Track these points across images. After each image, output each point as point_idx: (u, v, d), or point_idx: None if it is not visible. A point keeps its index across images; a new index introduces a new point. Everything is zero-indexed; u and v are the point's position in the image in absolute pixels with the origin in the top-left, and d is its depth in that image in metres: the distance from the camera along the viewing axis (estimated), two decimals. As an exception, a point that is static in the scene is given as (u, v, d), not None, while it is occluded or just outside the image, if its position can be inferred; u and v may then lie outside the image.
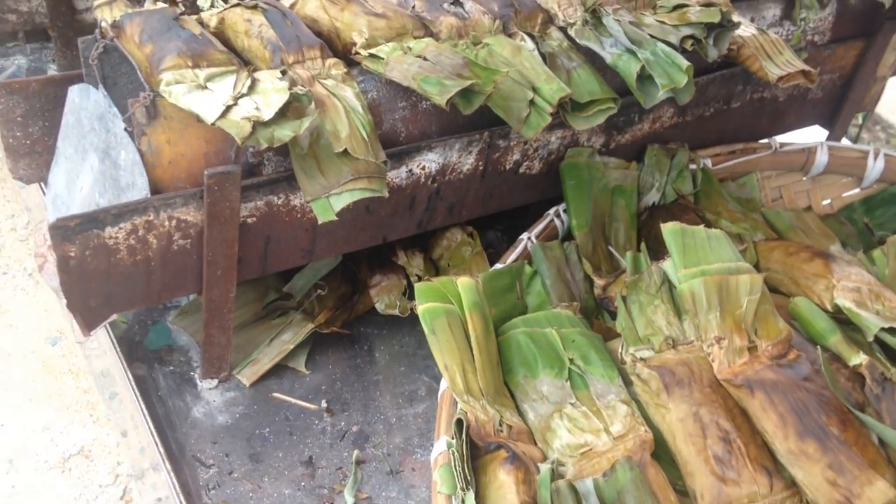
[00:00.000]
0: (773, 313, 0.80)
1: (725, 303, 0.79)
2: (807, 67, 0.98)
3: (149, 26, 0.80)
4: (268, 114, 0.72)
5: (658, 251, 1.05)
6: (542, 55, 0.92)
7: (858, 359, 0.78)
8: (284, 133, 0.72)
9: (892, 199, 1.26)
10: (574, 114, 0.90)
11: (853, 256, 1.06)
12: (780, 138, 1.33)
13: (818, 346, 0.80)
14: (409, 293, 1.08)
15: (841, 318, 0.86)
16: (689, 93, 0.89)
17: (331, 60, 0.83)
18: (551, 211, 1.05)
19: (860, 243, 1.21)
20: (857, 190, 1.29)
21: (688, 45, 0.93)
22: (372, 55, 0.84)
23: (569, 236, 1.06)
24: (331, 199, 0.78)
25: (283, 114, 0.73)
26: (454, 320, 0.80)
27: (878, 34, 1.25)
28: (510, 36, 0.93)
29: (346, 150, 0.77)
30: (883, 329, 0.81)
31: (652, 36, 0.95)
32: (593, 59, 0.95)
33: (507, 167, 1.01)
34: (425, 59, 0.82)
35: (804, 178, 1.27)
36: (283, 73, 0.77)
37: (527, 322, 0.86)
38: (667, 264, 0.83)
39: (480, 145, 0.95)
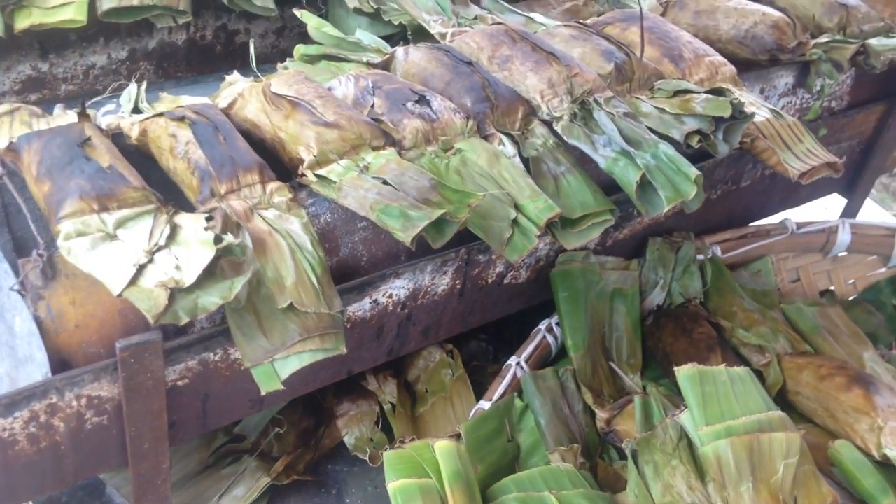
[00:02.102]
0: (814, 476, 0.69)
1: (758, 469, 0.68)
2: (832, 158, 0.87)
3: (48, 155, 0.68)
4: (190, 276, 0.60)
5: (665, 364, 0.93)
6: (525, 160, 0.81)
7: (919, 533, 0.67)
8: (211, 301, 0.60)
9: (924, 279, 1.15)
10: (565, 231, 0.78)
11: (890, 366, 0.95)
12: (795, 211, 1.23)
13: (869, 517, 0.68)
14: (381, 422, 0.96)
15: (889, 465, 0.75)
16: (698, 201, 0.78)
17: (272, 185, 0.72)
18: (542, 326, 0.93)
19: (891, 334, 1.10)
20: (883, 269, 1.19)
21: (693, 141, 0.82)
22: (321, 177, 0.72)
23: (563, 350, 0.94)
24: (276, 365, 0.66)
25: (211, 272, 0.61)
26: (432, 499, 0.68)
27: (901, 96, 1.15)
28: (486, 138, 0.82)
29: (292, 304, 0.65)
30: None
31: (651, 129, 0.84)
32: (584, 159, 0.84)
33: (490, 280, 0.89)
34: (385, 182, 0.71)
35: (825, 259, 1.16)
36: (210, 217, 0.64)
37: (520, 485, 0.74)
38: (684, 417, 0.71)
39: (457, 264, 0.84)
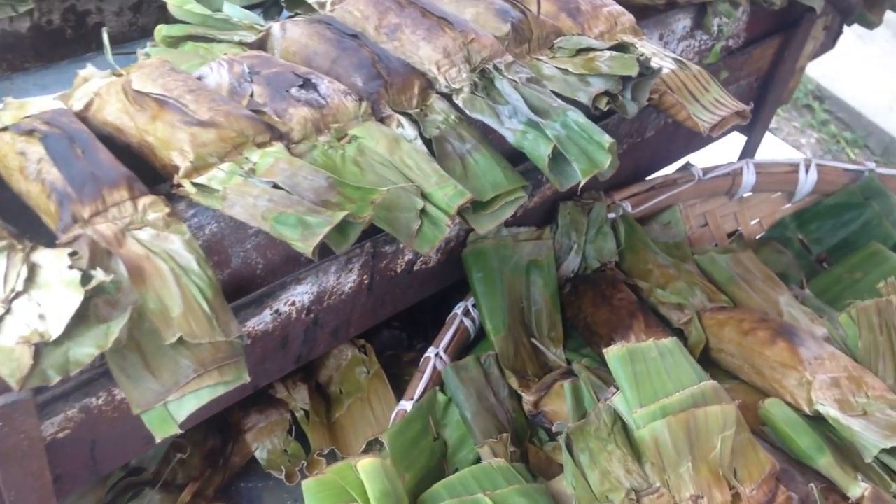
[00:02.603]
0: (751, 445, 0.68)
1: (696, 447, 0.66)
2: (740, 106, 0.85)
3: None
4: (56, 327, 0.52)
5: (587, 334, 0.91)
6: (427, 141, 0.75)
7: (858, 488, 0.67)
8: (85, 352, 0.53)
9: (827, 213, 1.17)
10: (477, 214, 0.73)
11: (807, 308, 0.95)
12: (698, 155, 1.22)
13: (808, 481, 0.68)
14: (295, 430, 0.90)
15: (822, 420, 0.75)
16: (613, 169, 0.74)
17: (145, 201, 0.63)
18: (458, 310, 0.89)
19: (801, 271, 1.11)
20: (787, 205, 1.19)
21: (602, 103, 0.78)
22: (201, 186, 0.64)
23: (482, 332, 0.91)
24: (170, 407, 0.59)
25: (81, 318, 0.53)
26: (361, 526, 0.63)
27: (797, 28, 1.14)
28: (383, 120, 0.75)
29: (181, 338, 0.58)
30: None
31: (556, 94, 0.79)
32: (489, 130, 0.78)
33: (399, 270, 0.84)
34: (276, 185, 0.63)
35: (731, 201, 1.16)
36: (74, 253, 0.56)
37: (451, 489, 0.71)
38: (617, 400, 0.69)
39: (363, 259, 0.78)
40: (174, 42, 0.90)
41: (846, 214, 1.16)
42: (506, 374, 0.84)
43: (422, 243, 0.70)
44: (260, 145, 0.69)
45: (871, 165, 1.16)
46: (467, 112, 0.78)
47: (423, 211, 0.70)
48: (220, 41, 0.87)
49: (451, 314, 0.89)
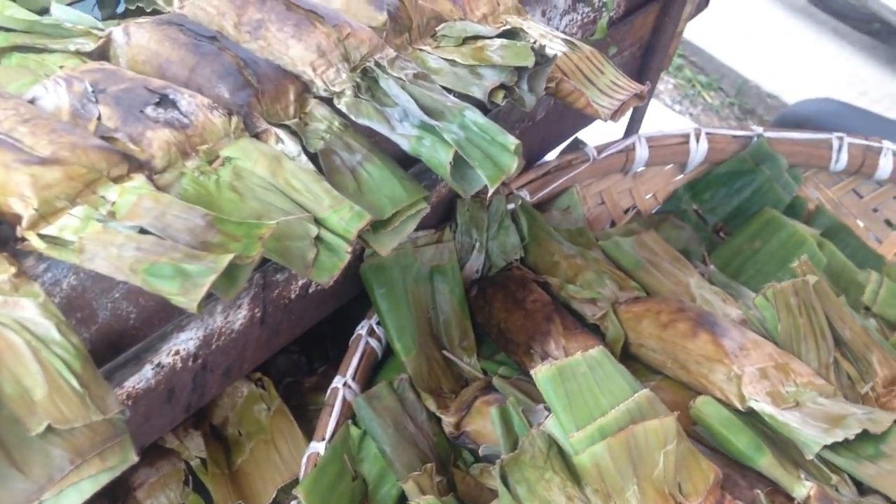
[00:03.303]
0: (692, 455, 0.66)
1: (639, 467, 0.63)
2: (637, 87, 0.83)
3: None
4: None
5: (502, 342, 0.87)
6: (312, 155, 0.68)
7: (804, 488, 0.67)
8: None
9: (718, 181, 1.18)
10: (377, 233, 0.68)
11: (716, 288, 0.95)
12: (587, 131, 1.20)
13: (751, 484, 0.66)
14: (192, 482, 0.82)
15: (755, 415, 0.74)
16: (519, 170, 0.70)
17: (-17, 263, 0.54)
18: (362, 330, 0.83)
19: (701, 246, 1.11)
20: (680, 177, 1.20)
21: (499, 98, 0.73)
22: (51, 238, 0.55)
23: (389, 349, 0.85)
24: (46, 509, 0.51)
25: (-83, 429, 0.44)
26: None
27: (674, -4, 1.13)
28: (259, 136, 0.68)
29: (50, 425, 0.50)
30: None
31: (446, 89, 0.74)
32: (376, 133, 0.72)
33: (294, 296, 0.77)
34: (143, 230, 0.55)
35: (625, 177, 1.15)
36: None
37: (380, 539, 0.65)
38: (551, 424, 0.65)
39: (252, 292, 0.71)
40: (-4, 54, 0.79)
41: (738, 181, 1.17)
42: (422, 396, 0.79)
43: (319, 273, 0.64)
44: (117, 180, 0.60)
45: (759, 130, 1.17)
46: (353, 118, 0.71)
47: (317, 238, 0.63)
48: (52, 51, 0.76)
49: (355, 335, 0.83)
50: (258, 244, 0.57)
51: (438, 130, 0.69)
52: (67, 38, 0.77)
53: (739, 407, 0.74)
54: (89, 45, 0.74)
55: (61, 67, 0.73)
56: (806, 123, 1.60)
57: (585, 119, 1.19)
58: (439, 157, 0.68)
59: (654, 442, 0.64)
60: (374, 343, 0.83)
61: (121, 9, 1.10)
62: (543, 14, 0.98)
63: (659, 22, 1.17)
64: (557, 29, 1.01)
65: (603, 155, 1.09)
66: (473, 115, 0.70)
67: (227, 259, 0.54)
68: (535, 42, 0.76)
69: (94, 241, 0.55)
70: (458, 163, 0.70)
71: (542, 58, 0.74)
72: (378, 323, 0.84)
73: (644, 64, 1.22)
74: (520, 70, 0.75)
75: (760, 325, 0.85)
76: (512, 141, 0.68)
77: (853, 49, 3.32)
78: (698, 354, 0.79)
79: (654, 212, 1.20)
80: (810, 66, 3.18)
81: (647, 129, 1.19)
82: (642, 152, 1.11)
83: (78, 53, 0.75)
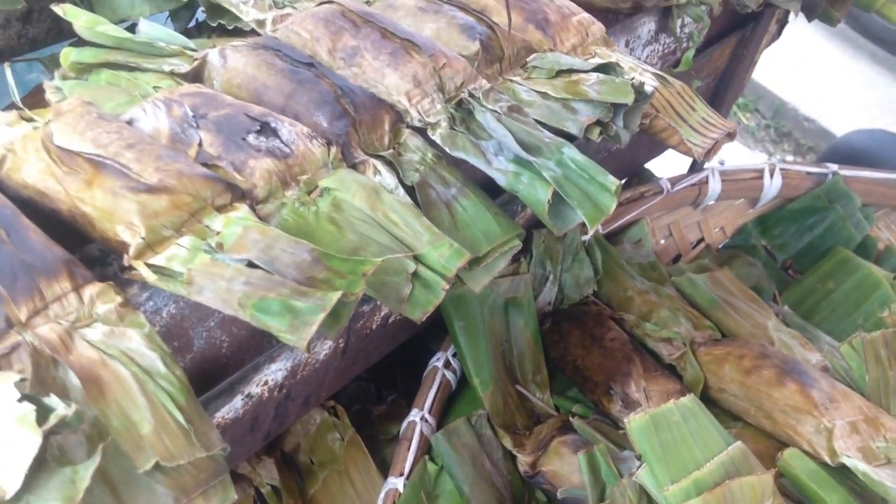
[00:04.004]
0: (787, 512, 0.65)
1: (735, 524, 0.62)
2: (728, 125, 0.82)
3: None
4: (13, 481, 0.43)
5: (579, 380, 0.87)
6: (409, 188, 0.68)
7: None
8: (50, 511, 0.44)
9: (790, 217, 1.16)
10: (470, 269, 0.67)
11: (794, 331, 0.94)
12: (658, 161, 1.20)
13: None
14: (261, 506, 0.82)
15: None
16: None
17: (92, 290, 0.55)
18: (438, 363, 0.83)
19: (772, 284, 1.10)
20: (750, 211, 1.18)
21: (594, 134, 0.73)
22: (160, 269, 0.55)
23: (463, 379, 0.85)
24: (149, 547, 0.51)
25: (41, 465, 0.44)
26: None
27: (756, 25, 1.12)
28: (356, 167, 0.68)
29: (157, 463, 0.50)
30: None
31: (540, 122, 0.74)
32: (469, 165, 0.72)
33: (375, 326, 0.77)
34: (251, 263, 0.55)
35: (695, 210, 1.14)
36: (24, 379, 0.47)
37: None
38: (644, 475, 0.64)
39: (339, 323, 0.70)
40: (86, 69, 0.80)
41: (810, 219, 1.16)
42: (498, 433, 0.79)
43: (413, 309, 0.63)
44: (220, 209, 0.60)
45: (834, 168, 1.16)
46: (448, 150, 0.71)
47: (414, 274, 0.63)
48: (145, 70, 0.77)
49: (431, 367, 0.83)
50: (362, 281, 0.57)
51: (536, 167, 0.68)
52: (160, 58, 0.77)
53: (829, 462, 0.73)
54: (184, 67, 0.75)
55: (155, 88, 0.74)
56: (858, 155, 1.58)
57: (657, 150, 1.19)
58: (537, 194, 0.68)
59: (751, 499, 0.63)
60: (449, 375, 0.82)
61: (188, 23, 1.11)
62: (627, 44, 0.97)
63: (736, 53, 1.16)
64: (639, 59, 1.00)
65: (676, 188, 1.08)
66: (571, 153, 0.70)
67: (335, 297, 0.54)
68: (632, 78, 0.76)
69: (203, 273, 0.55)
70: (553, 200, 0.70)
71: (640, 95, 0.74)
72: (454, 355, 0.83)
73: (718, 93, 1.21)
74: (615, 106, 0.75)
75: (845, 375, 0.84)
76: (612, 181, 0.67)
77: (891, 74, 3.29)
78: (785, 404, 0.77)
79: (721, 246, 1.19)
80: (848, 90, 3.15)
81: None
82: (715, 186, 1.10)
83: (172, 74, 0.75)
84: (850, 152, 1.65)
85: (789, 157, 3.03)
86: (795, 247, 1.17)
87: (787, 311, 1.02)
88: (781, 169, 1.14)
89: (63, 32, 0.82)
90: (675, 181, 1.09)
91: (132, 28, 1.06)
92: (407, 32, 0.76)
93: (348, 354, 0.77)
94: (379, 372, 0.98)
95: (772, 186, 1.13)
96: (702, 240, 1.18)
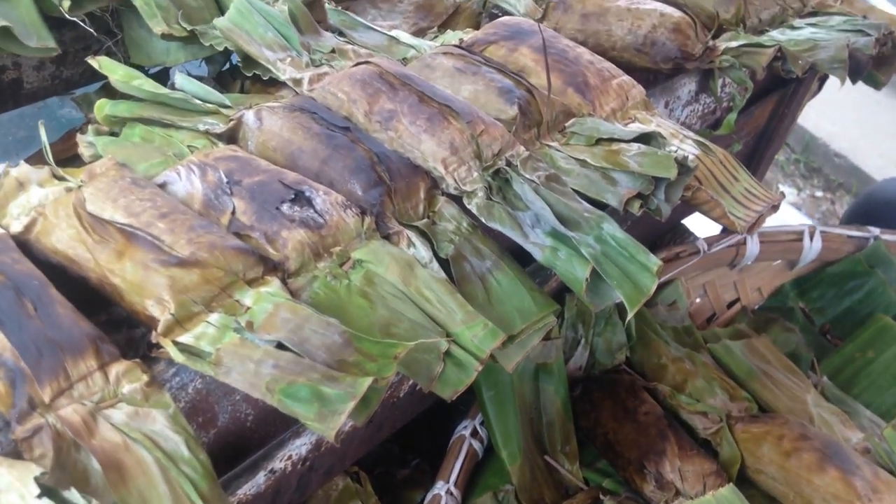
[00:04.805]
0: None
1: None
2: (773, 198, 0.80)
3: None
4: (28, 582, 0.42)
5: (611, 455, 0.85)
6: (443, 261, 0.66)
7: None
8: None
9: (829, 281, 1.14)
10: (503, 347, 0.65)
11: (833, 406, 0.91)
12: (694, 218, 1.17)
13: None
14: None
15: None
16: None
17: (118, 369, 0.54)
18: (465, 431, 0.82)
19: (810, 351, 1.07)
20: (788, 272, 1.16)
21: (635, 207, 0.71)
22: (187, 347, 0.54)
23: (490, 448, 0.83)
24: None
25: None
26: None
27: (798, 85, 1.11)
28: (389, 237, 0.66)
29: (177, 554, 0.49)
30: None
31: (577, 192, 0.72)
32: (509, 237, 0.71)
33: (402, 395, 0.76)
34: (280, 345, 0.54)
35: (732, 271, 1.12)
36: (44, 473, 0.46)
37: None
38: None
39: (366, 395, 0.69)
40: (120, 122, 0.80)
41: (850, 283, 1.13)
42: (526, 509, 0.77)
43: (443, 387, 0.62)
44: (252, 282, 0.59)
45: (876, 232, 1.13)
46: (484, 220, 0.70)
47: (446, 353, 0.62)
48: (180, 128, 0.76)
49: (458, 435, 0.81)
50: (393, 364, 0.56)
51: (575, 242, 0.67)
52: (196, 116, 0.77)
53: (873, 556, 0.71)
54: (219, 126, 0.74)
55: (190, 147, 0.74)
56: (893, 205, 1.55)
57: (692, 207, 1.17)
58: (575, 271, 0.66)
59: None
60: (476, 445, 0.81)
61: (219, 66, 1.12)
62: (666, 105, 0.96)
63: (777, 111, 1.14)
64: (678, 120, 0.99)
65: (713, 249, 1.06)
66: (611, 229, 0.68)
67: (366, 384, 0.53)
68: (675, 150, 0.74)
69: (231, 355, 0.54)
70: (591, 275, 0.68)
71: (682, 168, 0.72)
72: (482, 423, 0.82)
73: (757, 151, 1.19)
74: (657, 178, 0.73)
75: (887, 458, 0.81)
76: (654, 261, 0.66)
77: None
78: (826, 492, 0.75)
79: (757, 307, 1.16)
80: (881, 127, 3.10)
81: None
82: (753, 248, 1.08)
83: (207, 134, 0.75)
84: (886, 201, 1.61)
85: (818, 193, 2.99)
86: (834, 311, 1.14)
87: (826, 382, 1.00)
88: (822, 231, 1.11)
89: (97, 74, 0.82)
90: (711, 242, 1.07)
91: (165, 73, 1.07)
92: (445, 97, 0.75)
93: (374, 422, 0.75)
94: (402, 431, 0.97)
95: (811, 249, 1.11)
96: (738, 300, 1.16)
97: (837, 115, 3.13)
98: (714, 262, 1.09)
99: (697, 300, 1.13)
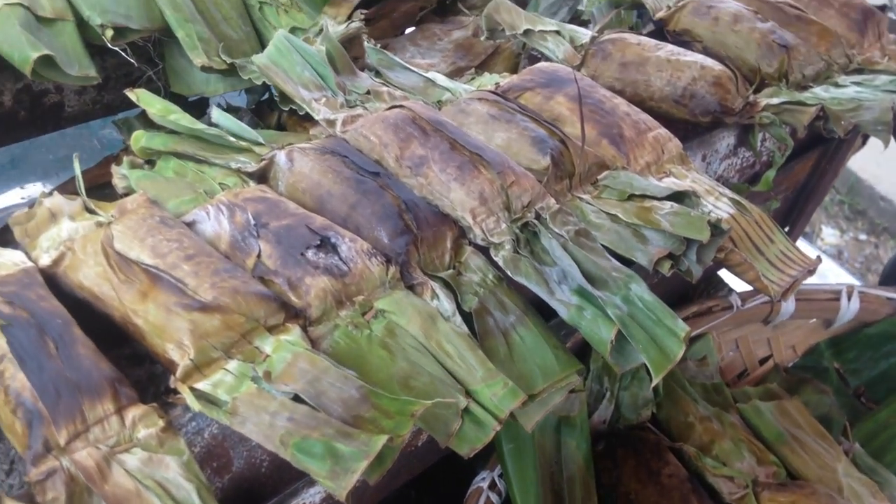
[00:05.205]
0: None
1: None
2: (809, 262, 0.78)
3: None
4: None
5: (621, 502, 0.83)
6: (466, 314, 0.66)
7: None
8: None
9: (866, 342, 1.11)
10: (523, 405, 0.64)
11: (864, 477, 0.89)
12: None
13: None
14: None
15: None
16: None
17: (134, 413, 0.54)
18: (483, 483, 0.81)
19: (843, 415, 1.05)
20: (824, 331, 1.13)
21: (665, 268, 0.70)
22: (204, 394, 0.54)
23: (508, 500, 0.82)
24: None
25: None
26: None
27: (841, 141, 1.09)
28: (413, 288, 0.66)
29: None
30: None
31: (606, 247, 0.71)
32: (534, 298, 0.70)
33: (420, 444, 0.75)
34: (296, 397, 0.54)
35: (765, 327, 1.10)
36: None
37: None
38: None
39: (382, 445, 0.68)
40: (154, 154, 0.81)
41: (887, 346, 1.10)
42: (540, 568, 0.75)
43: (461, 444, 0.61)
44: (272, 329, 0.60)
45: (918, 294, 1.11)
46: (510, 274, 0.69)
47: (465, 409, 0.61)
48: (212, 164, 0.77)
49: (475, 487, 0.80)
50: (410, 422, 0.55)
51: (601, 302, 0.66)
52: (229, 153, 0.78)
53: None
54: (251, 165, 0.75)
55: (221, 185, 0.74)
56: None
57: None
58: (600, 332, 0.65)
59: None
60: (494, 498, 0.80)
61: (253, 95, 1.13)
62: (703, 158, 0.95)
63: (819, 166, 1.13)
64: (715, 173, 0.98)
65: (747, 305, 1.04)
66: (640, 290, 0.67)
67: (380, 442, 0.53)
68: (710, 210, 0.73)
69: (247, 405, 0.54)
70: (617, 336, 0.68)
71: (716, 230, 0.71)
72: (500, 475, 0.81)
73: (797, 206, 1.18)
74: (689, 239, 0.72)
75: (919, 536, 0.79)
76: (682, 327, 0.65)
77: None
78: (853, 569, 0.73)
79: (791, 364, 1.14)
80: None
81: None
82: (788, 306, 1.06)
83: (239, 172, 0.75)
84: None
85: (862, 237, 2.94)
86: (870, 373, 1.11)
87: (858, 449, 0.97)
88: (860, 292, 1.09)
89: (137, 101, 0.84)
90: (745, 297, 1.06)
91: (204, 99, 1.09)
92: (476, 145, 0.75)
93: (391, 470, 0.75)
94: (419, 477, 0.96)
95: (849, 309, 1.09)
96: (770, 356, 1.13)
97: (884, 158, 3.08)
98: (747, 317, 1.07)
99: (730, 353, 1.11)
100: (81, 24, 0.93)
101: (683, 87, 0.93)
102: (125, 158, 0.80)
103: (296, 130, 0.90)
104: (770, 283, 0.76)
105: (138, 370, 0.63)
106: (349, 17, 1.01)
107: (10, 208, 1.34)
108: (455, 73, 1.09)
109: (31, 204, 0.73)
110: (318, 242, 0.65)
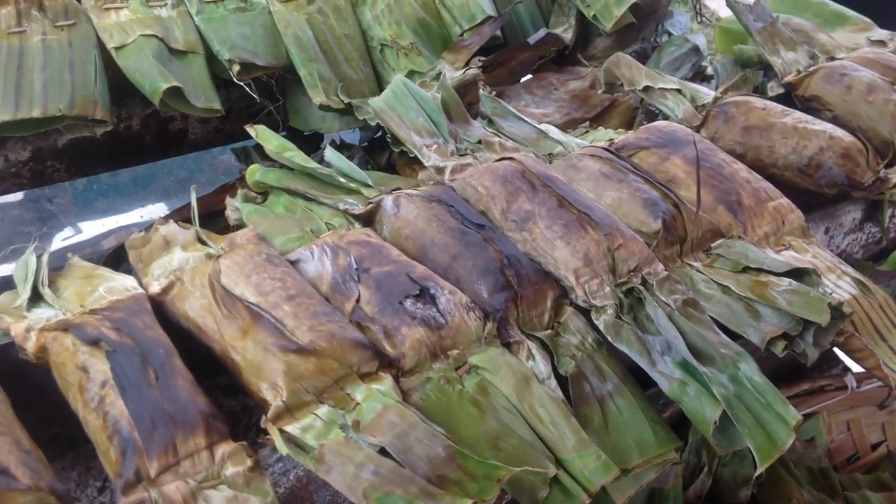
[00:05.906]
0: None
1: None
2: (936, 353, 0.73)
3: None
4: None
5: None
6: (561, 378, 0.64)
7: None
8: None
9: None
10: (614, 481, 0.62)
11: None
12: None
13: None
14: None
15: None
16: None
17: (224, 450, 0.55)
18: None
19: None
20: (948, 422, 1.06)
21: (779, 349, 0.67)
22: (293, 438, 0.54)
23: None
24: None
25: None
26: None
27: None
28: (509, 345, 0.65)
29: None
30: None
31: (715, 320, 0.68)
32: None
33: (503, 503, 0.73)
34: (383, 451, 0.54)
35: (881, 412, 1.03)
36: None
37: None
38: None
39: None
40: (267, 188, 0.83)
41: None
42: None
43: (547, 513, 0.60)
44: (364, 377, 0.60)
45: None
46: (610, 339, 0.67)
47: (553, 478, 0.59)
48: (321, 203, 0.79)
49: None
50: (495, 488, 0.54)
51: (706, 379, 0.63)
52: (338, 193, 0.79)
53: None
54: (358, 208, 0.76)
55: (328, 224, 0.75)
56: None
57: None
58: (703, 411, 0.63)
59: None
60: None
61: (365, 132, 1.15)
62: (826, 231, 0.91)
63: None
64: (838, 248, 0.93)
65: (863, 387, 0.98)
66: (749, 370, 0.64)
67: (464, 506, 0.52)
68: (830, 291, 0.70)
69: (334, 453, 0.54)
70: (721, 418, 0.65)
71: (836, 313, 0.67)
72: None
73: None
74: (806, 320, 0.68)
75: None
76: (793, 414, 0.61)
77: None
78: None
79: (907, 455, 1.07)
80: None
81: None
82: (909, 391, 1.00)
83: (346, 213, 0.76)
84: None
85: None
86: None
87: None
88: None
89: (256, 133, 0.86)
90: (861, 378, 1.00)
91: (317, 135, 1.11)
92: (585, 204, 0.74)
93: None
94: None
95: (977, 401, 1.01)
96: (884, 442, 1.06)
97: None
98: (862, 399, 1.01)
99: (839, 436, 1.05)
100: (210, 58, 0.97)
101: (809, 157, 0.89)
102: (240, 191, 0.83)
103: (405, 172, 0.91)
104: (892, 372, 0.71)
105: (232, 401, 0.64)
106: (467, 64, 1.02)
107: (130, 227, 1.41)
108: (569, 124, 1.08)
109: (149, 226, 0.76)
110: (418, 292, 0.65)
